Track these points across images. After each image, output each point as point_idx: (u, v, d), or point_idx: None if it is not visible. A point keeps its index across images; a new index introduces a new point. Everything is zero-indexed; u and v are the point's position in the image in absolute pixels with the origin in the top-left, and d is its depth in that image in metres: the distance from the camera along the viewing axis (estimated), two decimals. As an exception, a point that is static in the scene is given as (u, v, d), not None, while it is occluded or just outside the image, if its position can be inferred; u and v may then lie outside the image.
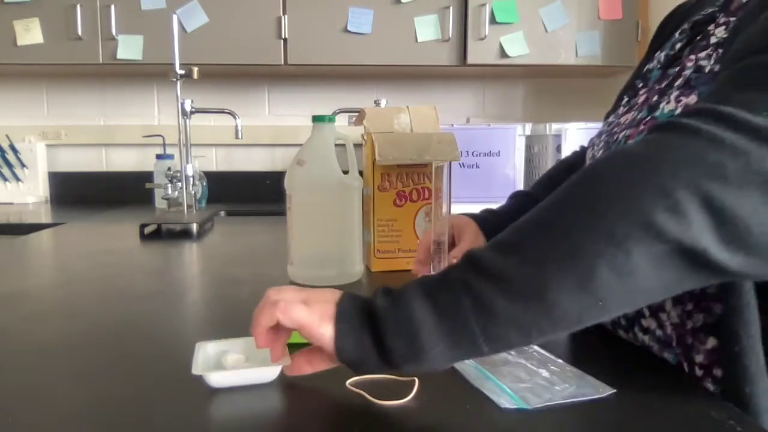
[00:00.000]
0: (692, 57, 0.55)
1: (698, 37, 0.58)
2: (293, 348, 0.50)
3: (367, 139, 0.92)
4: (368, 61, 1.90)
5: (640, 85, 0.66)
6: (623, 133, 0.59)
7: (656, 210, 0.36)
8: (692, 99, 0.50)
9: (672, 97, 0.52)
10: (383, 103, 2.11)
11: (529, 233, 0.41)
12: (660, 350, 0.55)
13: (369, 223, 0.92)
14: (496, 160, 1.86)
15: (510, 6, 1.88)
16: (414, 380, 0.48)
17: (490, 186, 1.84)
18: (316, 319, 0.44)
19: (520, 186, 1.85)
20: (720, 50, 0.51)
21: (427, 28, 1.88)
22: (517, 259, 0.39)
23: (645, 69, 0.68)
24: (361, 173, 0.88)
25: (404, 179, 0.91)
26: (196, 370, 0.48)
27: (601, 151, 0.64)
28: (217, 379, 0.48)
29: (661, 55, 0.65)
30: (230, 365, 0.51)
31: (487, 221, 0.78)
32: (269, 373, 0.49)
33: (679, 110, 0.51)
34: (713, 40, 0.54)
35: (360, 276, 0.87)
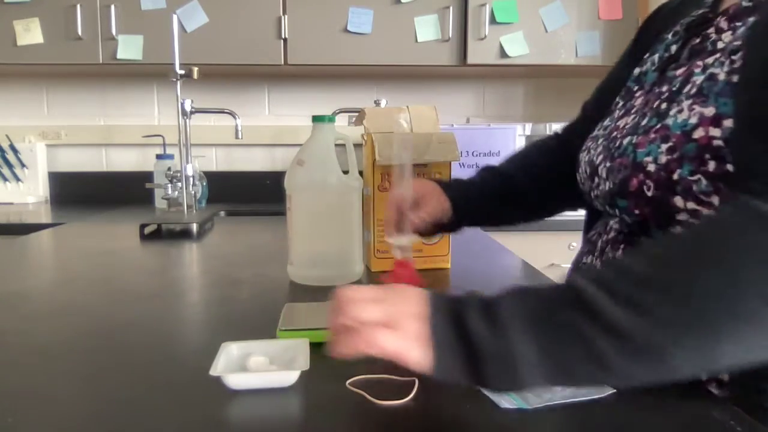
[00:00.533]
0: (699, 63, 0.54)
1: (697, 40, 0.57)
2: (315, 347, 0.50)
3: (367, 139, 0.92)
4: (368, 61, 1.90)
5: (635, 88, 0.65)
6: (627, 140, 0.57)
7: None
8: (710, 110, 0.49)
9: (685, 105, 0.52)
10: (383, 103, 2.11)
11: (647, 286, 0.39)
12: None
13: (369, 223, 0.92)
14: (496, 160, 1.85)
15: (510, 6, 1.88)
16: (414, 380, 0.48)
17: (490, 186, 1.84)
18: (408, 345, 0.41)
19: (520, 186, 1.85)
20: (733, 57, 0.50)
21: (427, 28, 1.88)
22: (635, 313, 0.38)
23: (638, 72, 0.66)
24: (361, 173, 0.88)
25: (404, 179, 0.90)
26: (214, 371, 0.48)
27: (600, 156, 0.62)
28: (235, 381, 0.48)
29: (654, 58, 0.64)
30: (252, 367, 0.50)
31: (452, 188, 0.77)
32: (287, 376, 0.49)
33: (693, 119, 0.50)
34: (720, 45, 0.53)
35: (360, 276, 0.87)
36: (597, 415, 0.44)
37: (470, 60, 1.89)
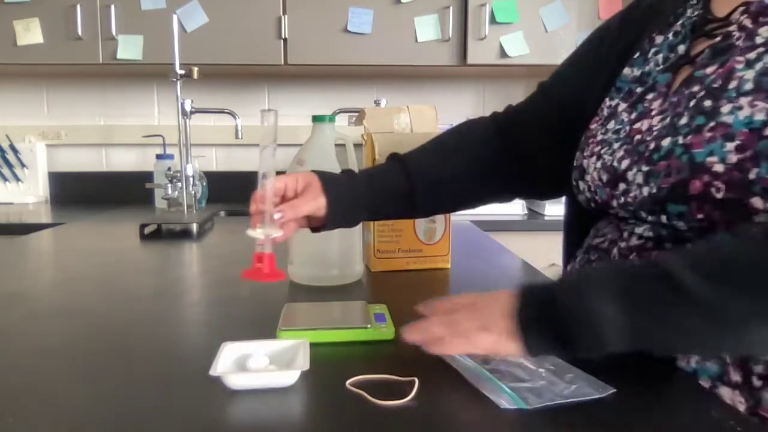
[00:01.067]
0: (740, 58, 0.53)
1: (717, 39, 0.57)
2: (315, 347, 0.50)
3: (367, 139, 0.92)
4: (368, 61, 1.90)
5: (639, 89, 0.64)
6: (667, 141, 0.55)
7: None
8: None
9: (743, 102, 0.50)
10: (383, 103, 2.11)
11: (736, 264, 0.45)
12: (699, 360, 0.53)
13: (369, 223, 0.92)
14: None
15: (510, 6, 1.88)
16: (414, 380, 0.48)
17: (490, 186, 1.84)
18: (502, 341, 0.49)
19: (520, 186, 1.85)
20: None
21: (427, 28, 1.88)
22: (721, 288, 0.44)
23: (639, 73, 0.65)
24: (361, 173, 0.88)
25: (404, 179, 0.90)
26: (214, 372, 0.48)
27: (626, 161, 0.60)
28: (235, 381, 0.48)
29: (657, 58, 0.63)
30: (252, 367, 0.50)
31: (334, 183, 0.68)
32: (287, 376, 0.49)
33: (760, 116, 0.49)
34: (759, 40, 0.53)
35: (360, 276, 0.87)
36: (597, 415, 0.44)
37: (470, 60, 1.89)
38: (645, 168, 0.56)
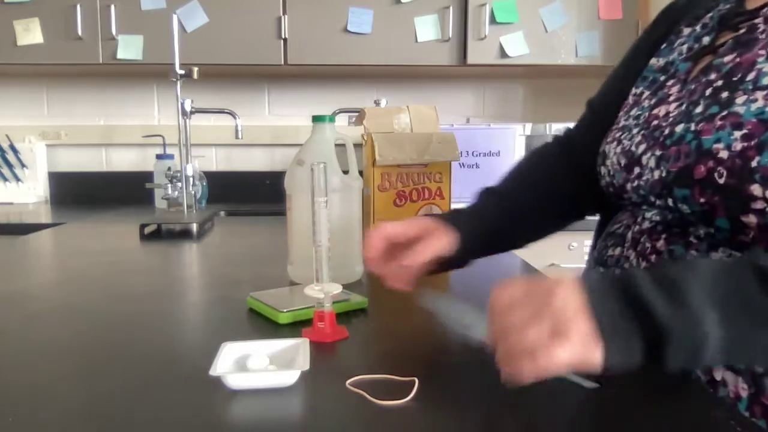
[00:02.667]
0: (762, 51, 0.54)
1: (741, 31, 0.58)
2: (315, 347, 0.50)
3: (367, 139, 0.92)
4: (368, 61, 1.90)
5: (662, 77, 0.65)
6: (681, 127, 0.56)
7: None
8: None
9: (759, 95, 0.52)
10: (383, 103, 2.11)
11: None
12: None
13: (369, 223, 0.92)
14: (496, 160, 1.86)
15: (510, 6, 1.88)
16: (414, 380, 0.48)
17: (490, 186, 1.84)
18: (581, 352, 0.40)
19: (520, 186, 1.85)
20: None
21: (427, 28, 1.88)
22: None
23: (663, 62, 0.67)
24: (361, 173, 0.88)
25: (404, 179, 0.91)
26: (214, 372, 0.48)
27: (642, 145, 0.61)
28: (235, 381, 0.48)
29: (682, 48, 0.65)
30: (252, 367, 0.50)
31: (452, 220, 0.68)
32: (287, 376, 0.49)
33: None
34: None
35: (360, 276, 0.87)
36: (597, 415, 0.44)
37: (470, 60, 1.89)
38: (658, 152, 0.58)
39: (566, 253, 1.74)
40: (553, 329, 0.40)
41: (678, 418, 0.43)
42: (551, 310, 0.41)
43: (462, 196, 1.81)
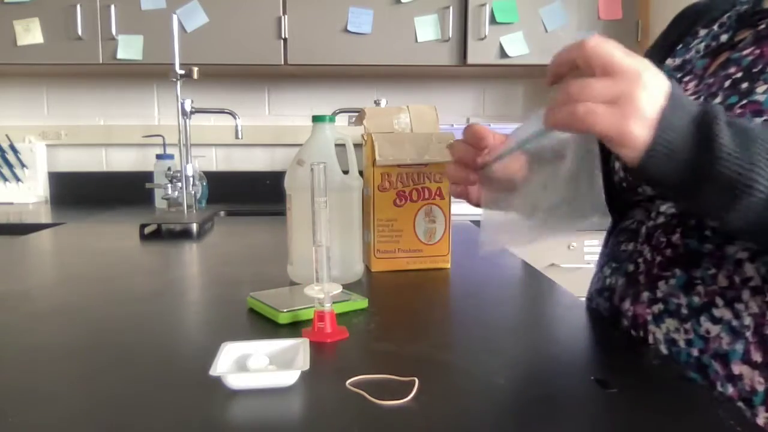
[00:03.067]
0: None
1: (762, 26, 0.59)
2: (315, 347, 0.50)
3: (367, 139, 0.92)
4: (368, 61, 1.90)
5: (679, 75, 0.66)
6: None
7: None
8: None
9: None
10: (383, 103, 2.11)
11: None
12: (730, 342, 0.54)
13: (369, 223, 0.92)
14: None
15: (510, 6, 1.88)
16: (414, 380, 0.48)
17: (490, 186, 1.84)
18: (629, 122, 0.42)
19: (520, 186, 1.85)
20: None
21: (427, 28, 1.88)
22: None
23: (680, 61, 0.68)
24: (361, 173, 0.88)
25: (404, 179, 0.91)
26: (214, 372, 0.48)
27: None
28: (235, 381, 0.48)
29: (699, 47, 0.66)
30: (252, 367, 0.50)
31: None
32: (287, 376, 0.49)
33: None
34: None
35: (360, 276, 0.87)
36: (597, 415, 0.44)
37: (470, 60, 1.90)
38: None
39: (566, 253, 1.74)
40: (616, 99, 0.42)
41: (678, 419, 0.43)
42: (634, 78, 0.43)
43: (462, 196, 1.82)
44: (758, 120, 0.52)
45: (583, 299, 0.75)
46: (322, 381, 0.49)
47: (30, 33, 1.83)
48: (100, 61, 1.86)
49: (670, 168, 0.43)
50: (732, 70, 0.58)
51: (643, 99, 0.42)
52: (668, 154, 0.43)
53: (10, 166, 2.13)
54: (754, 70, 0.55)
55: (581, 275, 1.70)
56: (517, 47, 1.90)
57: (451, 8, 1.87)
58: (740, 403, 0.53)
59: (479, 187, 0.63)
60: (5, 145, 2.11)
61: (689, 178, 0.44)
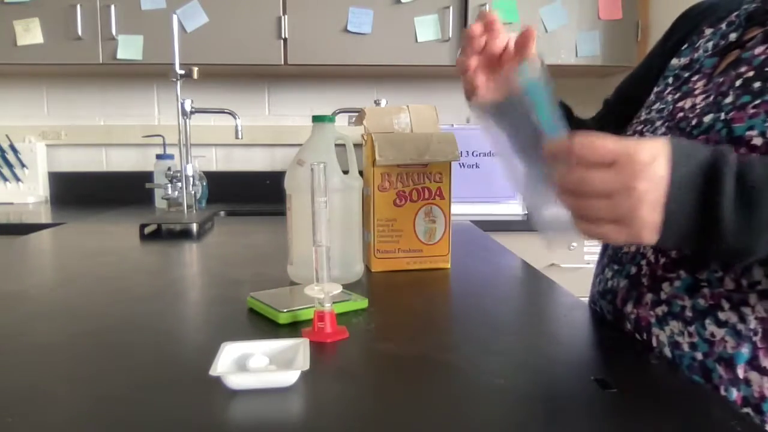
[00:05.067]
0: None
1: None
2: (315, 347, 0.50)
3: (367, 139, 0.92)
4: (368, 61, 1.90)
5: (687, 74, 0.66)
6: (709, 117, 0.57)
7: None
8: None
9: None
10: (383, 103, 2.11)
11: None
12: (734, 346, 0.54)
13: (369, 223, 0.92)
14: (496, 160, 1.86)
15: (510, 6, 1.88)
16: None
17: (490, 186, 1.84)
18: (636, 237, 0.46)
19: (520, 186, 1.85)
20: None
21: (427, 28, 1.88)
22: None
23: (687, 60, 0.67)
24: (361, 173, 0.88)
25: (404, 179, 0.91)
26: (214, 372, 0.48)
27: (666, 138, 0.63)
28: (235, 381, 0.48)
29: (707, 45, 0.66)
30: (252, 367, 0.50)
31: None
32: (288, 376, 0.49)
33: None
34: None
35: (360, 276, 0.87)
36: (598, 415, 0.44)
37: (470, 60, 1.89)
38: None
39: (566, 253, 1.74)
40: (622, 213, 0.45)
41: (678, 418, 0.43)
42: (630, 191, 0.44)
43: (462, 196, 1.82)
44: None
45: (584, 299, 0.75)
46: (322, 381, 0.49)
47: (30, 33, 1.83)
48: (100, 61, 1.86)
49: (682, 245, 0.48)
50: (743, 69, 0.57)
51: (645, 213, 0.45)
52: (677, 241, 0.46)
53: (10, 166, 2.13)
54: (767, 68, 0.55)
55: (581, 275, 1.70)
56: (517, 47, 1.89)
57: (451, 8, 1.87)
58: (747, 409, 0.53)
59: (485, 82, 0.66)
60: (5, 145, 2.11)
61: (699, 252, 0.50)
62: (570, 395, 0.47)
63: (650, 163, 0.44)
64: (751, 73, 0.56)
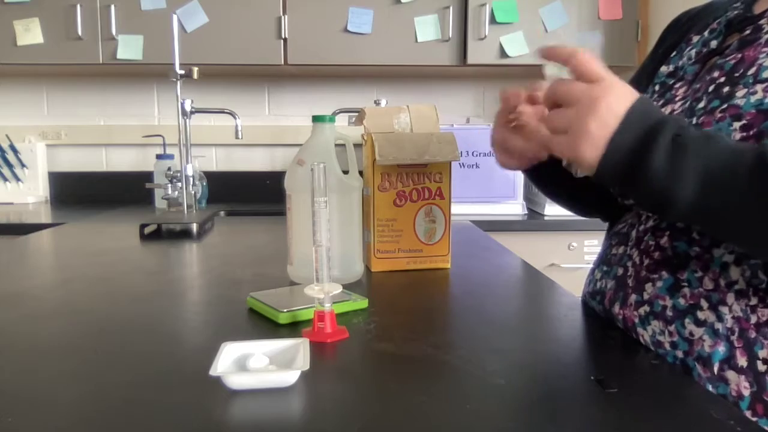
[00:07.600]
0: (765, 49, 0.56)
1: (747, 32, 0.60)
2: (315, 347, 0.50)
3: (367, 139, 0.92)
4: (368, 61, 1.90)
5: (672, 81, 0.67)
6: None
7: None
8: None
9: (759, 88, 0.53)
10: (383, 103, 2.11)
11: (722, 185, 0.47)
12: (712, 344, 0.54)
13: (369, 223, 0.92)
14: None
15: (510, 6, 1.88)
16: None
17: (490, 186, 1.84)
18: (580, 150, 0.50)
19: (520, 186, 1.85)
20: None
21: (427, 28, 1.88)
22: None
23: (672, 68, 0.68)
24: (361, 173, 0.88)
25: (404, 179, 0.91)
26: (214, 372, 0.48)
27: None
28: (235, 381, 0.48)
29: (691, 53, 0.67)
30: (252, 367, 0.50)
31: None
32: (288, 376, 0.49)
33: None
34: None
35: (360, 276, 0.87)
36: (597, 415, 0.44)
37: (470, 60, 1.89)
38: None
39: (566, 253, 1.74)
40: (570, 128, 0.51)
41: (678, 418, 0.43)
42: (593, 103, 0.50)
43: (462, 196, 1.82)
44: (737, 124, 0.53)
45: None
46: (322, 381, 0.49)
47: (30, 33, 1.83)
48: (100, 61, 1.86)
49: (614, 182, 0.52)
50: (716, 74, 0.59)
51: (594, 128, 0.49)
52: (611, 173, 0.50)
53: (10, 166, 2.13)
54: (736, 74, 0.56)
55: (581, 275, 1.70)
56: (517, 47, 1.90)
57: (451, 8, 1.87)
58: None
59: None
60: (5, 145, 2.11)
61: (628, 190, 0.52)
62: (570, 395, 0.47)
63: (621, 96, 0.50)
64: (722, 79, 0.58)
